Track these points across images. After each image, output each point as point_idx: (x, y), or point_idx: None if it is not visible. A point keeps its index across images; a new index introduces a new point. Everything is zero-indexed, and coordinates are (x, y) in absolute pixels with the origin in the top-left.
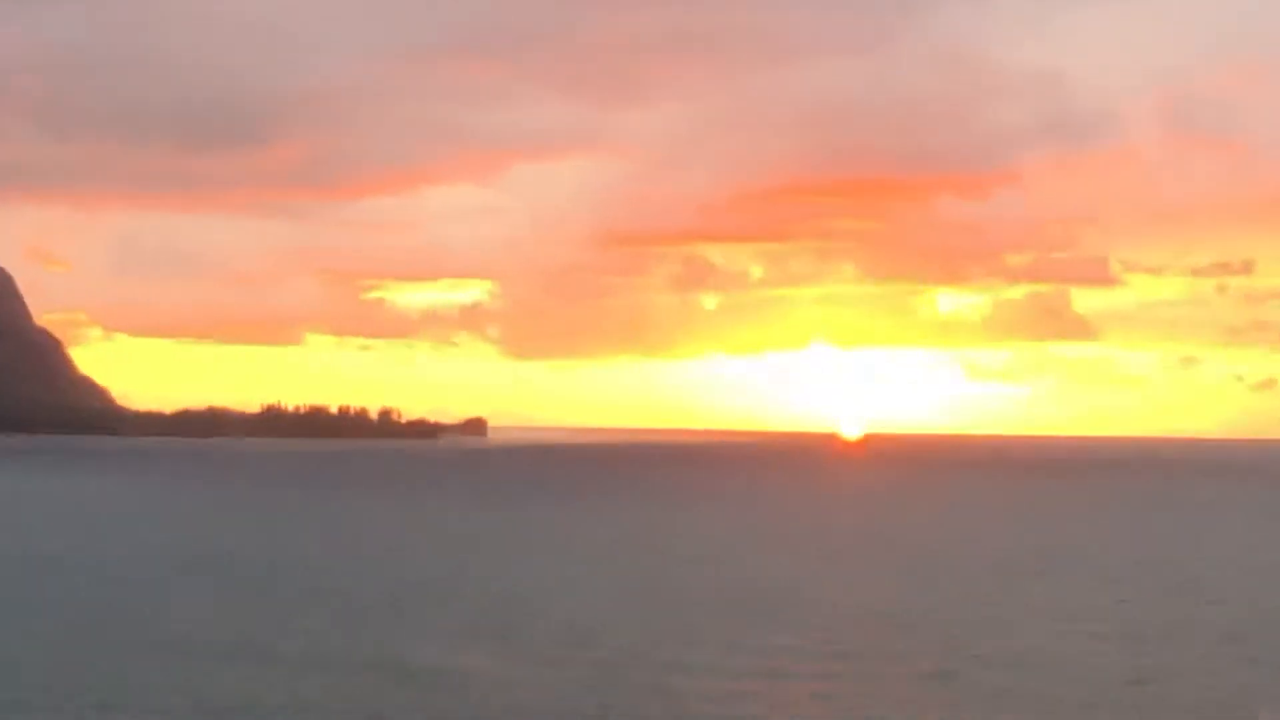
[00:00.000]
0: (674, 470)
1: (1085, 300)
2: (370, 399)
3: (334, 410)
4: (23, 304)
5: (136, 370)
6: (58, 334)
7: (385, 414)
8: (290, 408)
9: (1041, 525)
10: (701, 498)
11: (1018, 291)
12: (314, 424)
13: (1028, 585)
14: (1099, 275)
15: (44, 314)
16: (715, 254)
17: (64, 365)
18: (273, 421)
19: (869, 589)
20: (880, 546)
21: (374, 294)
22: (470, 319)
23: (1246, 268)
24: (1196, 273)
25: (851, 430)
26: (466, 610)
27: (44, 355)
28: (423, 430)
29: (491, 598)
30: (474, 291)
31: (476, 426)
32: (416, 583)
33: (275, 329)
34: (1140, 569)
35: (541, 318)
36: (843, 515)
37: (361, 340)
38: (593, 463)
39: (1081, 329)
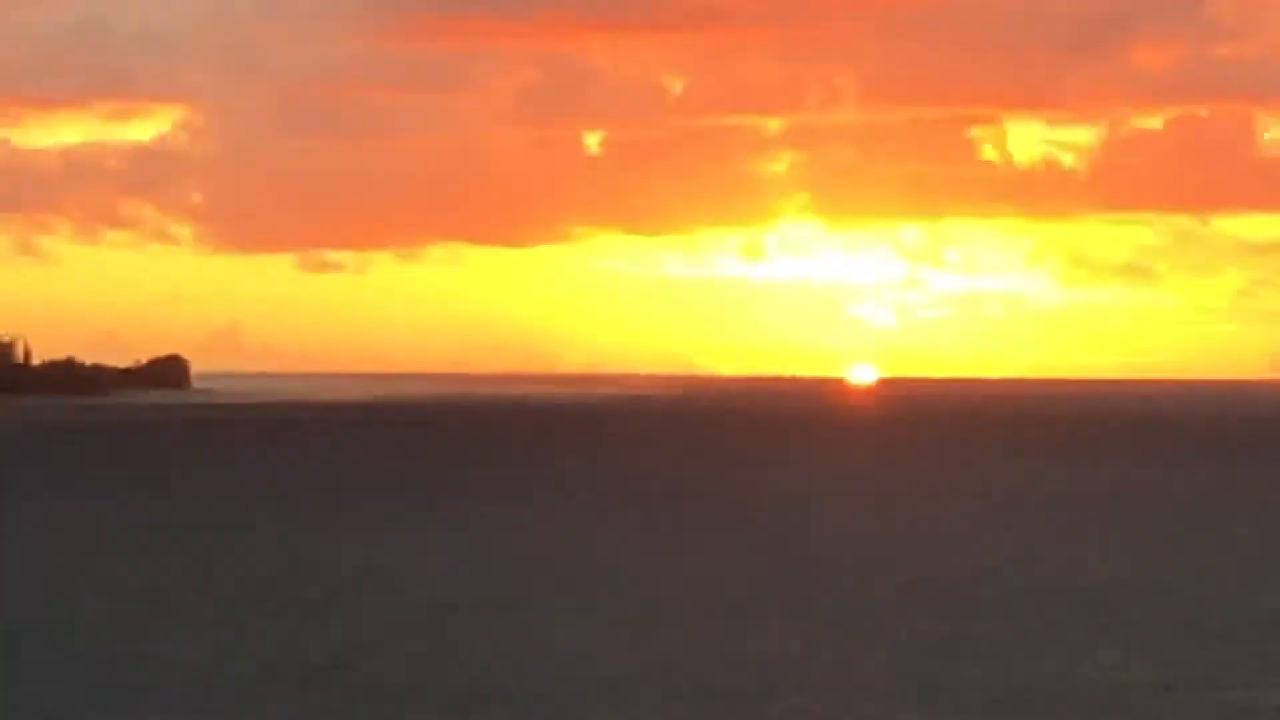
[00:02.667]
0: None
1: None
2: None
3: None
4: None
5: None
6: None
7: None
8: None
9: None
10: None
11: (1157, 119)
12: None
13: None
14: None
15: None
16: (598, 55)
17: None
18: None
19: None
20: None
21: None
22: (150, 176)
23: None
24: None
25: (862, 374)
26: None
27: None
28: (77, 380)
29: None
30: (157, 123)
31: (170, 372)
32: None
33: None
34: None
35: (284, 173)
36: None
37: None
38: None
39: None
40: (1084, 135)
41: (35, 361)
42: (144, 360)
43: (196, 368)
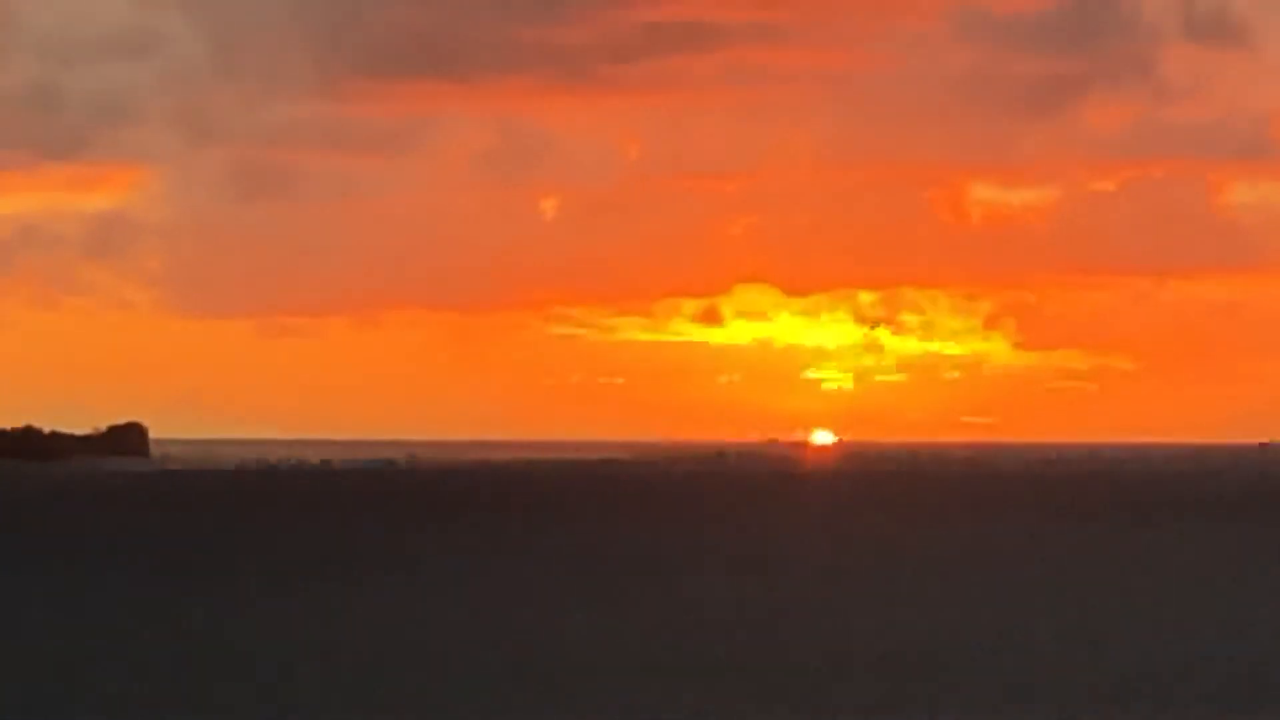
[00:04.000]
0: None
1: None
2: None
3: None
4: None
5: None
6: None
7: None
8: None
9: None
10: None
11: (1111, 181)
12: None
13: None
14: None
15: None
16: (555, 120)
17: None
18: None
19: None
20: None
21: None
22: (107, 243)
23: None
24: None
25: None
26: None
27: None
28: (33, 447)
29: None
30: (114, 193)
31: (129, 439)
32: None
33: None
34: None
35: (241, 238)
36: None
37: None
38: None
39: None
40: (1039, 198)
41: None
42: (103, 427)
43: (155, 434)
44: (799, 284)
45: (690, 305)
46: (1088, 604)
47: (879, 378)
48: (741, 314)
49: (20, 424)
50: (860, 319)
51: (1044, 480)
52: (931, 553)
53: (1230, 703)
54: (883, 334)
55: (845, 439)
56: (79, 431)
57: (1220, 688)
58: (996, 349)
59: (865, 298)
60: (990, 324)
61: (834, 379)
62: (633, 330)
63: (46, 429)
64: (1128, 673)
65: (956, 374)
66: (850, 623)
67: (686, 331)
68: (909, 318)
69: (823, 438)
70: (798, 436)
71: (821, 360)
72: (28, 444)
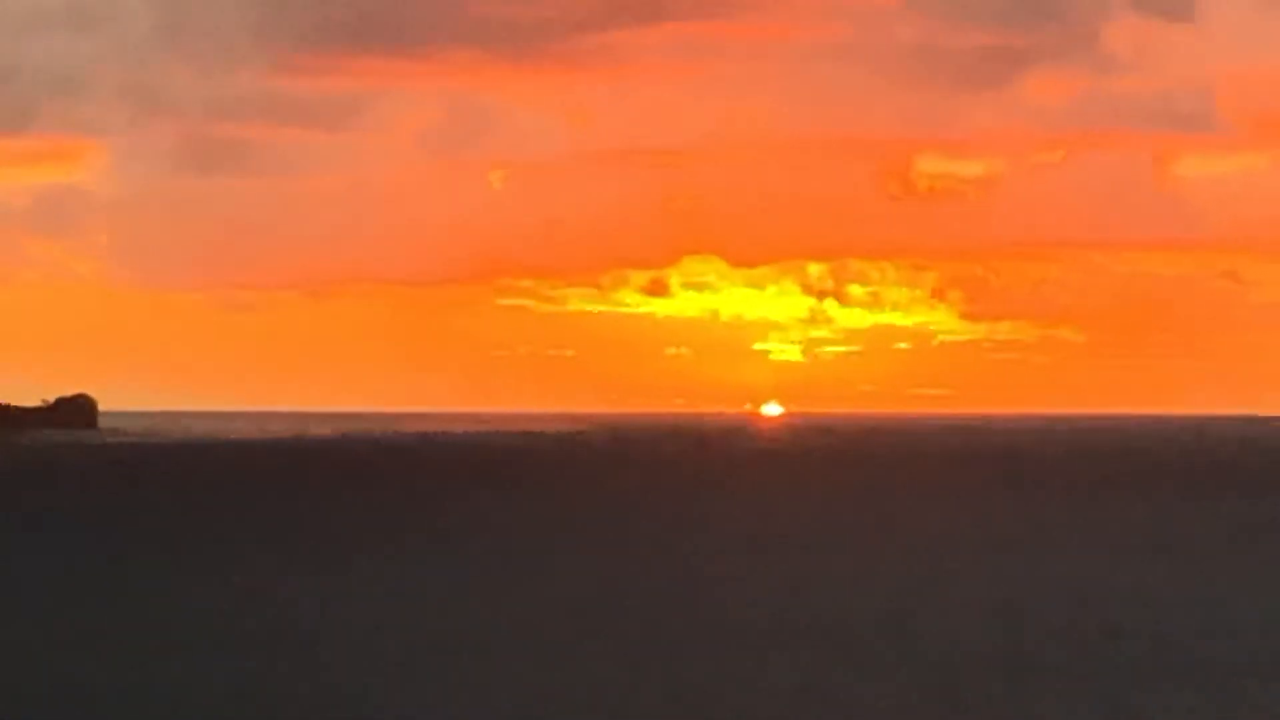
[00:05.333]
0: None
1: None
2: None
3: None
4: None
5: None
6: None
7: None
8: None
9: None
10: None
11: (1057, 153)
12: None
13: None
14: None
15: None
16: (502, 92)
17: None
18: None
19: None
20: None
21: None
22: (56, 216)
23: None
24: None
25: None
26: None
27: None
28: None
29: None
30: (63, 167)
31: (78, 411)
32: None
33: None
34: None
35: (191, 212)
36: None
37: None
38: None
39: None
40: (986, 169)
41: None
42: (51, 399)
43: (103, 407)
44: (746, 255)
45: (638, 277)
46: (1005, 574)
47: (827, 349)
48: (689, 285)
49: None
50: (808, 290)
51: (985, 455)
52: (861, 525)
53: (1138, 676)
54: (830, 305)
55: (793, 410)
56: (27, 405)
57: (1130, 661)
58: (944, 320)
59: (813, 269)
60: (937, 295)
61: (782, 351)
62: (580, 301)
63: None
64: (1043, 642)
65: (905, 345)
66: (781, 593)
67: (634, 303)
68: (856, 289)
69: (771, 410)
70: (746, 408)
71: (769, 332)
72: None
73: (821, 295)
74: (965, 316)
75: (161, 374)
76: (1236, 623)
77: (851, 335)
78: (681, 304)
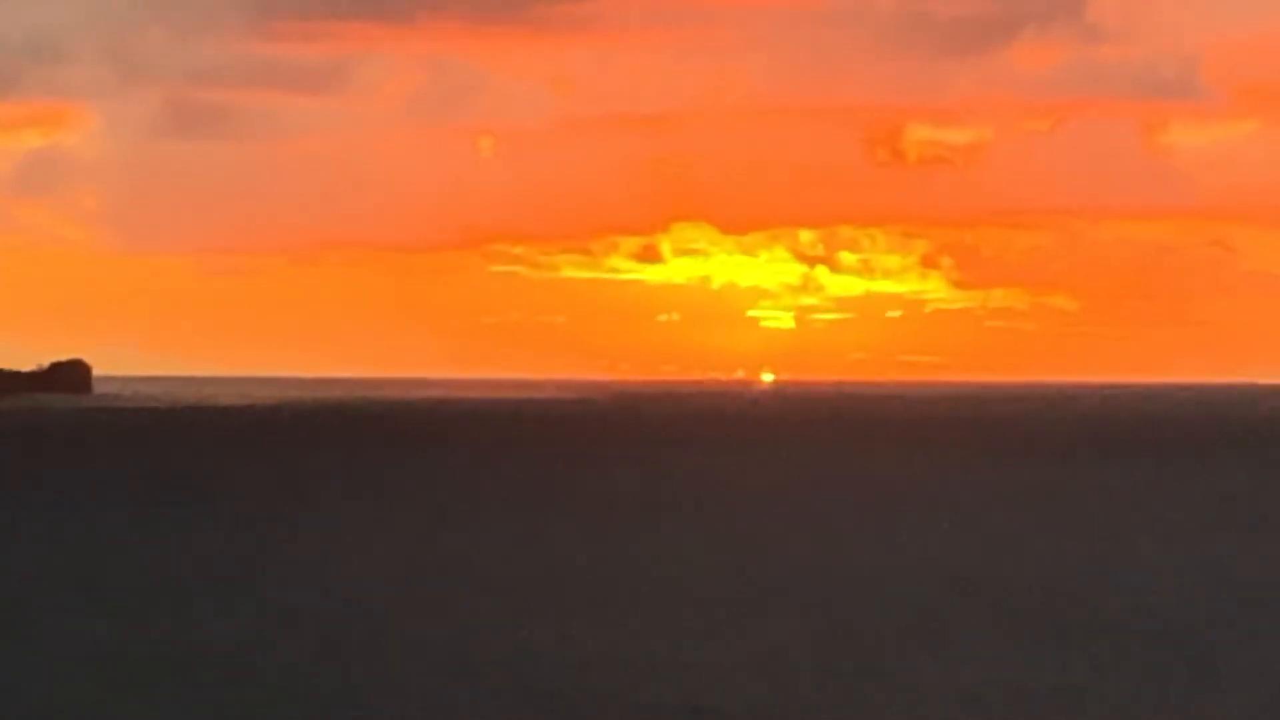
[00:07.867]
0: None
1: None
2: None
3: None
4: None
5: None
6: None
7: None
8: None
9: None
10: None
11: (1044, 121)
12: None
13: None
14: None
15: None
16: (488, 58)
17: None
18: None
19: None
20: None
21: None
22: (42, 180)
23: None
24: None
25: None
26: None
27: None
28: None
29: None
30: (48, 131)
31: (72, 376)
32: None
33: None
34: None
35: (177, 176)
36: None
37: None
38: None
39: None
40: (976, 136)
41: None
42: (45, 364)
43: (97, 371)
44: (736, 222)
45: (628, 243)
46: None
47: (819, 316)
48: (680, 252)
49: None
50: (799, 257)
51: (981, 421)
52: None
53: (1072, 635)
54: (821, 272)
55: (784, 378)
56: (22, 369)
57: (1077, 622)
58: (935, 288)
59: (804, 236)
60: (929, 263)
61: (774, 318)
62: (572, 268)
63: None
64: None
65: (897, 312)
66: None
67: (625, 269)
68: (847, 256)
69: (762, 377)
70: (738, 375)
71: (760, 299)
72: None
73: (813, 262)
74: (957, 284)
75: (148, 339)
76: (1123, 584)
77: (843, 303)
78: (673, 270)
